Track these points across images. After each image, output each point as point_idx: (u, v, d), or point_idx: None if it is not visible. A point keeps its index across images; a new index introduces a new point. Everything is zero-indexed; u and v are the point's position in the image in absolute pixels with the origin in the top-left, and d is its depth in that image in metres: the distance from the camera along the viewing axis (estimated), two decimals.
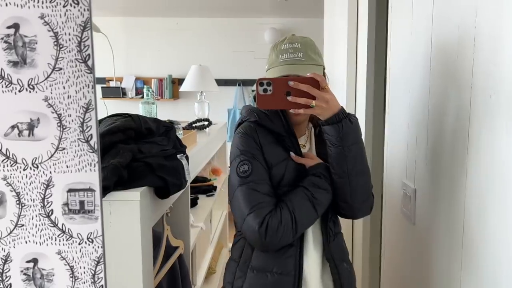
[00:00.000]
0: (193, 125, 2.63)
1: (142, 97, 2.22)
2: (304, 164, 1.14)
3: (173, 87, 4.99)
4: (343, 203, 1.14)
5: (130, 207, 1.11)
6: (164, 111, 3.83)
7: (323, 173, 1.10)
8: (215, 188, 2.86)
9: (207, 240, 2.83)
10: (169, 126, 1.51)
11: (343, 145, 1.06)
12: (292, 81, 1.01)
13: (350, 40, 2.36)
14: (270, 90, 1.03)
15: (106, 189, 1.09)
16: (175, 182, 1.30)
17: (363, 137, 2.10)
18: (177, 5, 4.33)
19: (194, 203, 2.62)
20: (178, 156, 1.41)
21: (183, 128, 2.17)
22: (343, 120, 1.05)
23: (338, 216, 1.24)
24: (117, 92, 4.86)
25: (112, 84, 4.90)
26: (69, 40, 0.77)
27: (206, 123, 2.70)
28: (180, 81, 4.41)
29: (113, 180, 1.11)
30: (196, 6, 4.36)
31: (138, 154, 1.25)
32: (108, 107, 4.08)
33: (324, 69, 1.19)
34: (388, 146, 1.67)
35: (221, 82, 4.68)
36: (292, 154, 1.15)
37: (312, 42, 1.17)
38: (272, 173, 1.13)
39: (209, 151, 2.47)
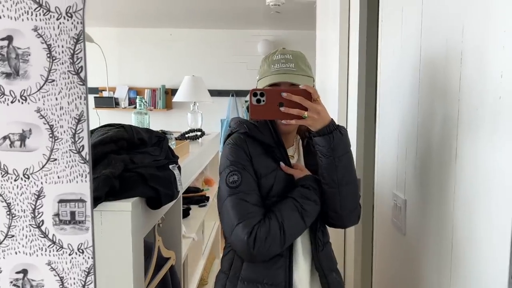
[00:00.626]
0: (186, 135, 2.63)
1: (135, 107, 2.23)
2: (293, 175, 1.16)
3: (166, 97, 5.00)
4: (333, 212, 1.15)
5: (122, 217, 1.11)
6: (157, 121, 3.84)
7: (312, 185, 1.11)
8: (207, 198, 2.86)
9: (199, 251, 2.81)
10: (161, 137, 1.51)
11: (334, 156, 1.08)
12: (285, 92, 1.04)
13: (341, 52, 2.39)
14: (263, 101, 1.06)
15: (97, 200, 1.08)
16: (167, 192, 1.31)
17: (354, 148, 2.13)
18: (171, 17, 4.36)
19: (186, 213, 2.61)
20: (170, 166, 1.42)
21: (176, 139, 2.18)
22: (334, 131, 1.07)
23: (327, 226, 1.25)
24: (110, 102, 4.86)
25: (105, 94, 4.90)
26: (62, 52, 0.78)
27: (199, 133, 2.70)
28: (173, 91, 4.43)
29: (105, 191, 1.11)
30: (190, 18, 4.39)
31: (130, 164, 1.25)
32: (100, 117, 4.08)
33: (314, 81, 1.22)
34: (378, 157, 1.69)
35: (214, 93, 4.70)
36: (282, 164, 1.16)
37: (303, 55, 1.20)
38: (262, 184, 1.14)
39: (201, 162, 2.48)
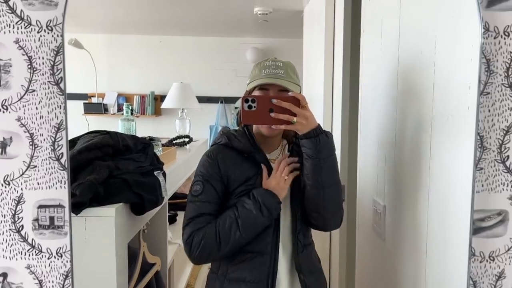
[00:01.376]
0: (173, 141, 2.64)
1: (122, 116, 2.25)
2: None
3: (155, 103, 5.02)
4: (316, 213, 1.19)
5: (106, 223, 1.13)
6: (146, 128, 3.84)
7: (259, 198, 1.14)
8: None
9: (185, 258, 2.80)
10: (146, 143, 1.52)
11: (319, 157, 1.12)
12: (275, 99, 1.09)
13: (326, 60, 2.43)
14: (254, 107, 1.10)
15: (81, 205, 1.09)
16: (151, 198, 1.32)
17: (339, 154, 2.17)
18: (161, 24, 4.39)
19: (173, 219, 2.61)
20: (155, 173, 1.43)
21: (163, 145, 2.18)
22: (320, 135, 1.12)
23: (311, 229, 1.29)
24: (99, 108, 4.86)
25: (94, 100, 4.90)
26: (43, 63, 0.81)
27: (186, 139, 2.71)
28: (163, 98, 4.44)
29: (89, 197, 1.12)
30: (179, 25, 4.43)
31: (115, 170, 1.26)
32: (89, 123, 4.07)
33: (301, 90, 1.27)
34: (360, 163, 1.73)
35: (204, 99, 4.73)
36: (264, 173, 1.19)
37: (293, 65, 1.25)
38: (237, 191, 1.18)
39: (188, 168, 2.48)
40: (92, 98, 4.98)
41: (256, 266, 1.16)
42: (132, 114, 2.25)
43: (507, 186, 0.84)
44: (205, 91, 4.90)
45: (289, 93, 1.12)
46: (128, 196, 1.23)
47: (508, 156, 0.83)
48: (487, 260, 0.86)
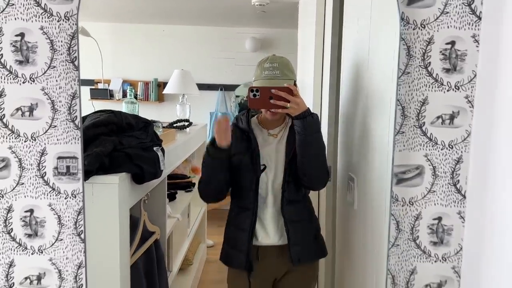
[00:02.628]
0: (174, 125, 2.83)
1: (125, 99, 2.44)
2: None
3: (158, 90, 5.23)
4: (304, 176, 1.48)
5: (110, 189, 1.27)
6: (149, 113, 4.00)
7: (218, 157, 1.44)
8: (193, 184, 3.05)
9: (184, 232, 3.01)
10: (147, 122, 1.68)
11: (306, 134, 1.40)
12: (274, 89, 1.39)
13: (317, 51, 2.59)
14: (258, 95, 1.40)
15: (89, 173, 1.23)
16: (151, 170, 1.49)
17: (326, 139, 2.37)
18: (164, 14, 4.58)
19: (173, 197, 2.79)
20: (155, 148, 1.59)
21: (164, 127, 2.36)
22: (308, 116, 1.40)
23: (307, 191, 1.59)
24: (105, 94, 5.08)
25: (100, 86, 5.12)
26: (61, 46, 1.04)
27: (186, 123, 2.89)
28: (165, 84, 4.64)
29: (95, 166, 1.26)
30: (182, 15, 4.61)
31: (118, 145, 1.42)
32: (96, 108, 4.28)
33: (295, 81, 1.54)
34: (340, 144, 1.93)
35: (204, 87, 4.94)
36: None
37: (288, 61, 1.54)
38: (234, 159, 1.49)
39: (187, 149, 2.65)
40: (98, 84, 5.20)
41: (244, 218, 1.49)
42: (136, 98, 2.42)
43: (423, 146, 1.07)
44: (205, 78, 5.11)
45: (285, 84, 1.41)
46: (130, 167, 1.40)
47: (424, 123, 1.06)
48: (407, 205, 1.09)
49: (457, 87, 1.04)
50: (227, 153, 1.43)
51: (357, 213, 1.56)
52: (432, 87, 1.05)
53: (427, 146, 1.07)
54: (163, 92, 4.00)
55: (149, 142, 1.58)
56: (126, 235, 1.40)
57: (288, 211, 1.49)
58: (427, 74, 1.04)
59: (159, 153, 1.60)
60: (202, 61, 5.19)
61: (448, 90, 1.04)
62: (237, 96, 5.16)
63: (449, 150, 1.06)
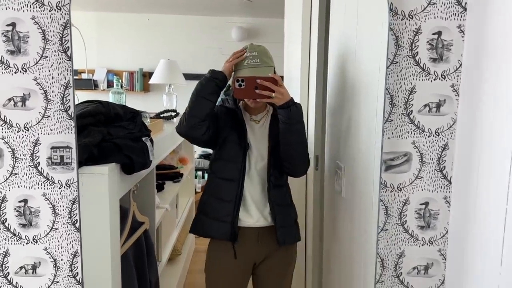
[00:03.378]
0: (161, 115, 2.82)
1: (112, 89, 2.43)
2: None
3: (143, 80, 5.20)
4: (286, 162, 1.53)
5: (100, 179, 1.25)
6: (134, 103, 3.96)
7: (216, 78, 1.47)
8: (181, 175, 3.05)
9: (173, 222, 3.03)
10: (135, 112, 1.67)
11: (290, 123, 1.44)
12: (259, 79, 1.41)
13: (303, 42, 2.61)
14: (243, 85, 1.42)
15: (78, 164, 1.18)
16: (140, 160, 1.49)
17: (313, 129, 2.40)
18: (148, 2, 4.54)
19: (161, 187, 2.80)
20: (143, 138, 1.59)
21: (151, 118, 2.35)
22: (291, 106, 1.44)
23: (287, 177, 1.62)
24: (89, 84, 5.03)
25: (84, 76, 5.07)
26: (53, 36, 1.04)
27: (173, 113, 2.88)
28: (151, 74, 4.60)
29: (84, 157, 1.24)
30: (167, 3, 4.58)
31: (107, 136, 1.41)
32: (80, 99, 4.24)
33: (274, 68, 1.56)
34: (327, 133, 1.96)
35: (191, 77, 4.92)
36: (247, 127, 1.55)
37: (266, 49, 1.56)
38: (220, 130, 1.53)
39: (175, 139, 2.64)
40: (82, 74, 5.14)
41: (228, 189, 1.52)
42: (122, 87, 2.41)
43: (411, 133, 1.10)
44: (191, 68, 5.09)
45: (269, 75, 1.44)
46: (119, 158, 1.39)
47: (411, 111, 1.09)
48: (396, 190, 1.12)
49: (443, 76, 1.07)
50: (224, 81, 1.46)
51: (345, 200, 1.59)
52: (420, 76, 1.08)
53: (414, 134, 1.10)
54: (150, 82, 3.98)
55: (137, 133, 1.58)
56: (116, 225, 1.40)
57: (274, 195, 1.54)
58: (415, 64, 1.07)
59: (148, 144, 1.60)
60: (188, 51, 5.17)
61: (434, 79, 1.08)
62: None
63: (436, 137, 1.10)
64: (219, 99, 1.63)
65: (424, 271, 1.15)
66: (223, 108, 1.59)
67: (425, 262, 1.15)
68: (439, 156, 1.10)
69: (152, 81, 4.01)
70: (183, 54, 5.11)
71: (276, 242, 1.53)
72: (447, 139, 1.10)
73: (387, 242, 1.15)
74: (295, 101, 1.46)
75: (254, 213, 1.54)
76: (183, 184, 3.29)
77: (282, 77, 2.13)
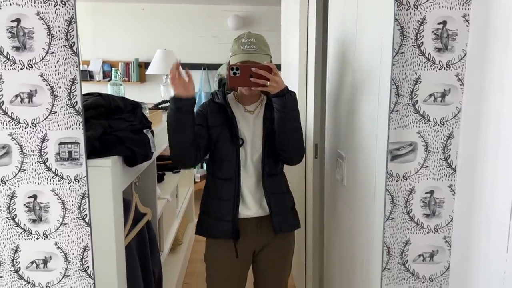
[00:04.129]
0: (159, 106, 2.81)
1: (110, 80, 2.42)
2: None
3: (140, 70, 5.17)
4: (282, 151, 1.54)
5: (103, 172, 1.26)
6: (131, 94, 3.97)
7: (179, 108, 1.43)
8: None
9: (173, 213, 3.05)
10: (135, 104, 1.66)
11: (285, 111, 1.45)
12: (254, 67, 1.41)
13: (301, 30, 2.59)
14: (238, 73, 1.42)
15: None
16: (142, 152, 1.50)
17: (312, 117, 2.40)
18: None
19: (161, 178, 2.81)
20: (144, 130, 1.60)
21: (149, 109, 2.35)
22: (286, 94, 1.44)
23: (280, 164, 1.63)
24: (85, 76, 4.99)
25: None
26: (59, 31, 1.03)
27: None
28: (147, 65, 4.58)
29: (87, 150, 1.20)
30: None
31: (108, 128, 1.42)
32: None
33: (270, 57, 1.57)
34: (327, 121, 1.97)
35: (188, 66, 4.91)
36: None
37: (263, 38, 1.57)
38: (212, 132, 1.54)
39: None
40: None
41: (227, 188, 1.54)
42: (120, 79, 2.40)
43: (416, 123, 1.11)
44: (188, 58, 5.07)
45: (264, 63, 1.44)
46: (122, 150, 1.40)
47: (417, 101, 1.10)
48: (401, 180, 1.14)
49: (448, 66, 1.08)
50: (189, 105, 1.41)
51: (346, 188, 1.61)
52: (425, 66, 1.08)
53: (419, 123, 1.11)
54: (147, 73, 3.96)
55: (138, 125, 1.59)
56: (120, 217, 1.41)
57: (269, 184, 1.55)
58: (420, 54, 1.08)
59: (149, 135, 1.61)
60: (184, 40, 5.14)
61: (439, 69, 1.08)
62: (218, 75, 5.13)
63: (441, 126, 1.11)
64: (209, 95, 1.66)
65: (430, 258, 1.17)
66: (212, 105, 1.58)
67: (431, 249, 1.17)
68: (444, 145, 1.12)
69: (149, 71, 4.00)
70: (179, 43, 5.08)
71: (273, 230, 1.56)
72: (452, 128, 1.11)
73: (393, 230, 1.17)
74: (290, 89, 1.46)
75: (251, 205, 1.56)
76: (182, 175, 3.30)
77: (278, 66, 2.14)
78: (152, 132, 1.65)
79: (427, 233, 1.16)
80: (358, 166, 1.46)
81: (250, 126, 1.56)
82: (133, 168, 1.51)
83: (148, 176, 2.10)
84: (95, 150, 1.28)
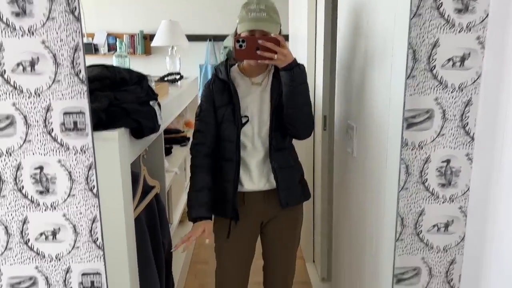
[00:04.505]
0: (165, 78, 2.77)
1: (114, 53, 2.37)
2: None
3: (145, 42, 5.09)
4: (290, 125, 1.49)
5: (110, 145, 1.23)
6: (137, 67, 3.92)
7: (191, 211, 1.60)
8: (188, 139, 3.03)
9: (182, 186, 3.05)
10: (141, 76, 1.65)
11: (293, 85, 1.39)
12: (261, 40, 1.34)
13: (310, 2, 2.53)
14: (244, 46, 1.36)
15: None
16: (149, 124, 1.47)
17: (321, 89, 2.35)
18: None
19: (168, 151, 2.80)
20: (151, 102, 1.58)
21: (155, 81, 2.31)
22: (295, 67, 1.38)
23: (292, 139, 1.59)
24: (89, 49, 4.92)
25: (84, 40, 4.96)
26: None
27: (177, 76, 2.83)
28: (152, 37, 4.50)
29: (93, 122, 1.19)
30: None
31: (114, 100, 1.38)
32: None
33: (280, 26, 1.50)
34: (337, 92, 1.92)
35: (192, 38, 4.80)
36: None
37: (274, 5, 1.50)
38: (218, 113, 1.51)
39: (181, 103, 2.62)
40: None
41: (228, 169, 1.52)
42: (126, 51, 2.35)
43: (433, 89, 1.06)
44: (193, 29, 4.97)
45: (272, 35, 1.37)
46: (128, 122, 1.37)
47: (434, 66, 1.05)
48: (417, 149, 1.10)
49: (468, 28, 1.03)
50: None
51: (357, 160, 1.58)
52: (444, 29, 1.03)
53: (437, 90, 1.06)
54: (152, 45, 3.88)
55: (145, 97, 1.56)
56: (128, 190, 1.40)
57: (276, 158, 1.52)
58: (439, 15, 1.02)
59: (156, 107, 1.59)
60: (189, 11, 5.03)
61: (459, 32, 1.03)
62: (225, 47, 5.04)
63: (459, 92, 1.06)
64: (213, 70, 1.62)
65: (444, 229, 1.15)
66: (217, 83, 1.54)
67: (446, 220, 1.14)
68: (462, 112, 1.07)
69: (154, 43, 3.92)
70: (184, 14, 4.97)
71: (280, 204, 1.54)
72: (471, 94, 1.06)
73: (407, 200, 1.14)
74: (298, 62, 1.40)
75: (256, 178, 1.54)
76: (189, 146, 3.27)
77: (286, 36, 2.07)
78: (159, 105, 1.62)
79: (442, 203, 1.13)
80: (369, 137, 1.42)
81: (257, 100, 1.50)
82: (140, 140, 1.49)
83: (155, 149, 2.08)
84: (101, 122, 1.24)
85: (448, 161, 1.10)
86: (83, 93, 1.04)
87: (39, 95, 1.04)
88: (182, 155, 2.89)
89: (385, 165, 1.26)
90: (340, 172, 1.87)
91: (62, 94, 1.04)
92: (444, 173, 1.11)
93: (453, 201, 1.13)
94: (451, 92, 1.06)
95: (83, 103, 1.05)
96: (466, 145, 1.09)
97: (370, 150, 1.41)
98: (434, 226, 1.15)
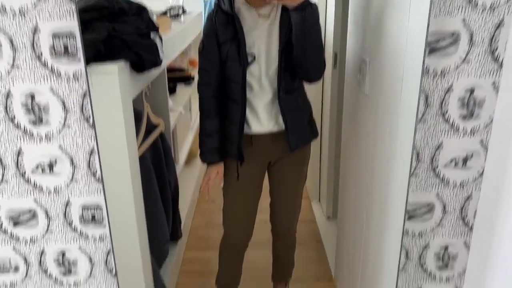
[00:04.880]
0: (167, 13, 2.64)
1: None
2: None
3: None
4: (300, 69, 1.39)
5: (110, 78, 1.17)
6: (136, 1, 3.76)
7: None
8: (193, 78, 2.96)
9: (187, 126, 3.00)
10: (141, 7, 1.56)
11: (306, 26, 1.28)
12: None
13: None
14: None
15: (85, 54, 1.12)
16: (150, 58, 1.41)
17: (332, 26, 2.21)
18: None
19: (172, 90, 2.72)
20: (152, 35, 1.49)
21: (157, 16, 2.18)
22: (307, 7, 1.25)
23: (302, 80, 1.49)
24: None
25: None
26: None
27: (180, 11, 2.70)
28: None
29: (91, 53, 1.15)
30: None
31: (113, 32, 1.31)
32: None
33: None
34: (350, 27, 1.79)
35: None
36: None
37: None
38: (222, 49, 1.40)
39: (184, 39, 2.51)
40: None
41: (234, 110, 1.44)
42: None
43: (461, 9, 0.95)
44: None
45: None
46: (128, 55, 1.31)
47: None
48: (438, 77, 1.01)
49: None
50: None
51: (369, 97, 1.49)
52: None
53: (465, 10, 0.95)
54: None
55: (145, 28, 1.47)
56: (131, 125, 1.34)
57: (285, 101, 1.43)
58: None
59: (157, 41, 1.51)
60: None
61: None
62: None
63: (490, 13, 0.95)
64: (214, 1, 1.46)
65: (462, 163, 1.08)
66: (220, 15, 1.40)
67: (465, 154, 1.07)
68: (491, 35, 0.97)
69: None
70: None
71: (289, 147, 1.48)
72: (503, 14, 0.95)
73: (424, 133, 1.06)
74: (311, 1, 1.27)
75: (264, 120, 1.47)
76: (195, 87, 3.20)
77: None
78: (160, 38, 1.54)
79: (462, 136, 1.05)
80: (383, 69, 1.32)
81: (264, 35, 1.38)
82: (142, 75, 1.42)
83: (158, 86, 2.01)
84: (99, 54, 1.18)
85: (472, 91, 1.01)
86: (72, 13, 0.94)
87: (24, 16, 0.94)
88: (187, 93, 2.81)
89: (399, 98, 1.17)
90: (350, 110, 1.79)
91: (49, 14, 0.94)
92: (466, 104, 1.03)
93: (474, 134, 1.05)
94: (481, 12, 0.95)
95: (72, 25, 0.95)
96: (494, 72, 0.99)
97: (384, 83, 1.32)
98: (451, 160, 1.08)
